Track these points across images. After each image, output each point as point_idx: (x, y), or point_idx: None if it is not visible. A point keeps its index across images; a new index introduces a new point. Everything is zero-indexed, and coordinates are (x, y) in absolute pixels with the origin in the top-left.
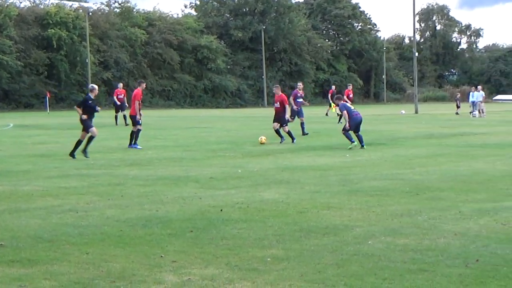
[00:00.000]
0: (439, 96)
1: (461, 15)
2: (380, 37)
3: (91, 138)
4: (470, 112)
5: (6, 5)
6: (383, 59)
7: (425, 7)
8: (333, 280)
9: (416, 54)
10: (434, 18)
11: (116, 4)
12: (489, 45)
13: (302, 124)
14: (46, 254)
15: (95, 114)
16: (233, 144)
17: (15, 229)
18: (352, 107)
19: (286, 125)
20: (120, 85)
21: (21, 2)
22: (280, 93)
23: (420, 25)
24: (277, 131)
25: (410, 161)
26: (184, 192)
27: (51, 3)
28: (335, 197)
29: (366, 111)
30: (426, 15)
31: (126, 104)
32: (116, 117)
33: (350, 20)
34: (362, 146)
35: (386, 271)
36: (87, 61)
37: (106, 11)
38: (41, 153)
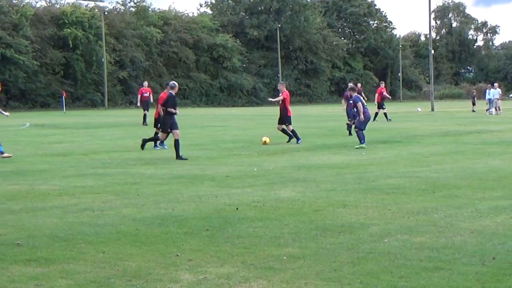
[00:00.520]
0: (455, 94)
1: (477, 12)
2: (395, 35)
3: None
4: (487, 110)
5: (22, 5)
6: (399, 57)
7: (441, 4)
8: (349, 278)
9: (432, 51)
10: (450, 15)
11: (132, 3)
12: (506, 42)
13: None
14: (62, 253)
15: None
16: (249, 142)
17: (32, 228)
18: (365, 103)
19: (290, 123)
20: (146, 83)
21: (37, 2)
22: (285, 89)
23: (436, 22)
24: (284, 131)
25: (426, 159)
26: (200, 191)
27: (67, 3)
28: (351, 195)
29: None
30: (442, 13)
31: (152, 102)
32: (144, 116)
33: (365, 18)
34: (362, 143)
35: (402, 269)
36: (103, 60)
37: (122, 10)
38: (57, 152)
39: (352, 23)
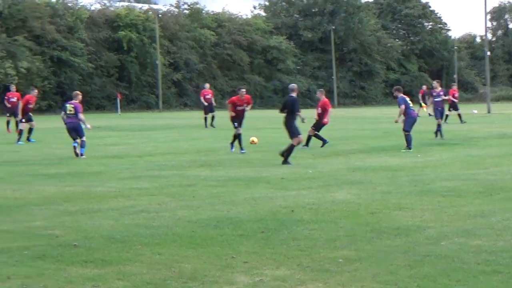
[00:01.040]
0: None
1: None
2: (450, 36)
3: (292, 147)
4: None
5: (77, 8)
6: (454, 59)
7: (497, 5)
8: (406, 281)
9: (488, 53)
10: (506, 16)
11: (186, 6)
12: None
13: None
14: (118, 255)
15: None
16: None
17: (88, 229)
18: (410, 104)
19: (316, 129)
20: (207, 85)
21: (91, 5)
22: (324, 97)
23: (492, 23)
24: (317, 136)
25: (483, 161)
26: (255, 193)
27: (121, 6)
28: (406, 197)
29: None
30: (498, 14)
31: (214, 104)
32: (205, 119)
33: (420, 20)
34: (409, 148)
35: (459, 272)
36: (157, 62)
37: (176, 13)
38: (112, 154)
39: (407, 24)
